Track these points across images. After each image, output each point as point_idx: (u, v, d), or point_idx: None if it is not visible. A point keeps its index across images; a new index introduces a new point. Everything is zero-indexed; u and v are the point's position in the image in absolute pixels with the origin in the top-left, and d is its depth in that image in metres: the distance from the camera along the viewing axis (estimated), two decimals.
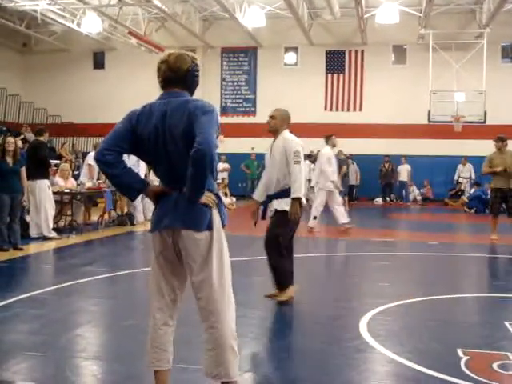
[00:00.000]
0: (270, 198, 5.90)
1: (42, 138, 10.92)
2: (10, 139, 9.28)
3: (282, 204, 5.74)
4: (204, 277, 3.16)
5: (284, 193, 5.70)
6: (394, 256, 9.85)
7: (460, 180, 21.32)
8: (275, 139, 5.91)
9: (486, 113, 19.46)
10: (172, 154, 3.07)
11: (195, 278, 3.19)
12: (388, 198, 22.05)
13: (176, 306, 3.49)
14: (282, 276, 5.89)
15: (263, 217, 5.98)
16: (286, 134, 5.83)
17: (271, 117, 5.87)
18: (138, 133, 3.16)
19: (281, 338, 4.96)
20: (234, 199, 19.34)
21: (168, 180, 3.18)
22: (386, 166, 21.77)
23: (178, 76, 3.21)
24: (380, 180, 21.99)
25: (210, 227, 3.11)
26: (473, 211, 18.21)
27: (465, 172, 21.35)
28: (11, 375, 3.94)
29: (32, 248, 9.60)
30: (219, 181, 19.72)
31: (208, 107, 3.11)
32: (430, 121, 20.17)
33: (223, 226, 3.20)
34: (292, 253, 6.05)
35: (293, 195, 5.57)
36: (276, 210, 5.84)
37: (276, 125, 5.84)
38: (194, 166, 2.89)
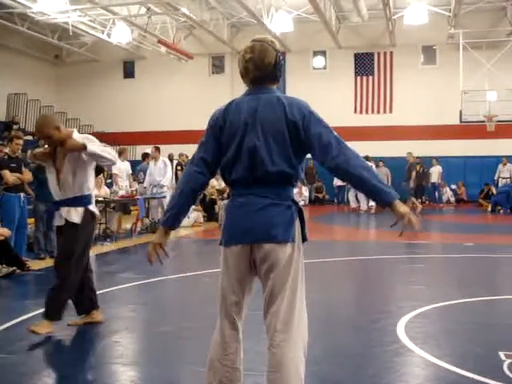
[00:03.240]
0: None
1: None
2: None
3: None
4: (280, 290, 2.88)
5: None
6: (429, 258, 9.72)
7: (500, 180, 20.92)
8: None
9: None
10: (259, 153, 2.84)
11: (271, 291, 2.91)
12: (420, 200, 21.80)
13: (243, 320, 3.20)
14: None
15: None
16: None
17: None
18: (223, 132, 2.95)
19: (319, 341, 4.92)
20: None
21: (248, 183, 2.90)
22: (417, 168, 21.52)
23: (265, 71, 2.95)
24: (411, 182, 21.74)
25: (293, 239, 2.87)
26: (501, 211, 18.15)
27: (504, 172, 20.96)
28: (51, 381, 4.00)
29: None
30: None
31: (307, 106, 2.96)
32: (461, 121, 19.92)
33: (305, 239, 2.99)
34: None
35: None
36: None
37: None
38: (365, 170, 2.76)
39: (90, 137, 5.08)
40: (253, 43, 3.00)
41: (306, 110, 2.90)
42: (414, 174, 19.11)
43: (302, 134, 2.84)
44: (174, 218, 3.09)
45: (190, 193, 3.01)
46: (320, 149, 2.80)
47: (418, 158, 20.93)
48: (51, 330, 4.92)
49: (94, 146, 4.87)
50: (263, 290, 2.96)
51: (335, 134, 2.85)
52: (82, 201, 5.07)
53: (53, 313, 4.93)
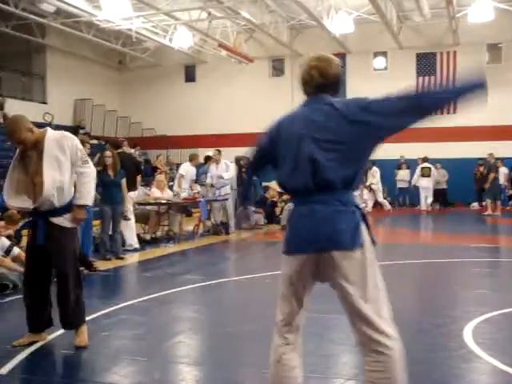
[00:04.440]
0: None
1: (120, 150, 10.99)
2: (108, 153, 9.64)
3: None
4: (360, 297, 2.85)
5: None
6: (496, 262, 9.47)
7: None
8: None
9: None
10: (319, 160, 2.81)
11: (351, 300, 2.87)
12: (484, 203, 21.25)
13: (302, 324, 3.24)
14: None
15: None
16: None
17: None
18: (277, 143, 2.99)
19: None
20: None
21: (309, 191, 2.87)
22: (481, 169, 20.96)
23: (329, 79, 2.97)
24: (474, 184, 21.19)
25: (362, 243, 2.83)
26: None
27: None
28: (120, 378, 4.10)
29: (132, 257, 9.94)
30: None
31: (364, 98, 2.92)
32: None
33: (374, 242, 2.94)
34: None
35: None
36: None
37: None
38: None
39: (67, 134, 4.80)
40: (318, 53, 3.05)
41: (364, 102, 2.88)
42: (492, 175, 18.72)
43: (374, 121, 2.81)
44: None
45: None
46: (394, 118, 2.89)
47: (479, 159, 20.42)
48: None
49: (88, 195, 4.78)
50: (341, 299, 2.94)
51: (399, 95, 2.87)
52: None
53: (82, 317, 4.84)
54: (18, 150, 4.79)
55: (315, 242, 2.83)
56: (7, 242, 7.38)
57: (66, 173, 4.62)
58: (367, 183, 19.46)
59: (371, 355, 2.84)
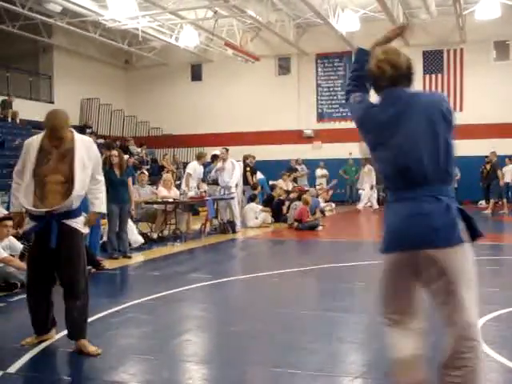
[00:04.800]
0: None
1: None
2: (114, 152, 9.66)
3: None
4: (457, 296, 2.80)
5: None
6: (504, 260, 9.43)
7: None
8: None
9: None
10: (412, 154, 2.77)
11: (448, 298, 2.82)
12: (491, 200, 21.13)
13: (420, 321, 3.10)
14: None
15: None
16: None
17: None
18: (368, 134, 2.98)
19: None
20: (334, 205, 19.23)
21: (403, 187, 2.82)
22: (488, 167, 20.86)
23: (400, 70, 2.91)
24: (481, 182, 21.08)
25: (460, 240, 2.79)
26: None
27: None
28: (128, 377, 4.11)
29: (140, 256, 9.96)
30: (318, 187, 19.72)
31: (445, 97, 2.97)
32: None
33: (476, 236, 2.90)
34: None
35: None
36: None
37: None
38: None
39: (92, 141, 4.86)
40: (385, 47, 3.03)
41: (446, 102, 2.90)
42: (499, 172, 18.67)
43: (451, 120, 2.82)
44: None
45: None
46: None
47: (486, 156, 20.32)
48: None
49: (104, 203, 4.94)
50: (435, 297, 2.89)
51: None
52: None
53: (85, 329, 4.70)
54: (31, 148, 4.60)
55: (411, 239, 2.78)
56: (16, 242, 7.40)
57: (87, 178, 4.63)
58: (365, 183, 19.50)
59: (462, 356, 2.78)
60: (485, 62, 22.10)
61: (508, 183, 21.10)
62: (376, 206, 19.68)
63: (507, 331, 5.11)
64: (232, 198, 13.31)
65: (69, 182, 4.50)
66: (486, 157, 20.51)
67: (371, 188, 19.67)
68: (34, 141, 4.63)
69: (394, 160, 2.81)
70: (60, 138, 4.56)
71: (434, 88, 22.67)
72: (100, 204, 4.84)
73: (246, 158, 16.72)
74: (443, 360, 2.85)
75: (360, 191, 20.20)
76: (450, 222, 2.75)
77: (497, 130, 21.21)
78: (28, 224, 4.70)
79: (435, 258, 2.75)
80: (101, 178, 4.80)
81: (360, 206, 19.62)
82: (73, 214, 4.59)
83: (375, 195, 20.10)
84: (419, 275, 2.86)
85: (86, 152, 4.59)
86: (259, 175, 16.89)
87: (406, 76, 2.92)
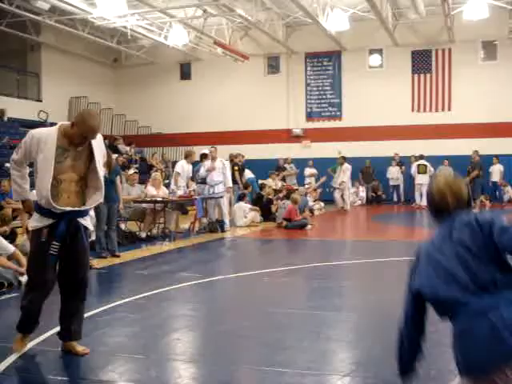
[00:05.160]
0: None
1: None
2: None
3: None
4: None
5: None
6: None
7: None
8: None
9: None
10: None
11: None
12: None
13: None
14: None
15: None
16: None
17: None
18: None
19: (378, 342, 4.89)
20: (323, 204, 19.27)
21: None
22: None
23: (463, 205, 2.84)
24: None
25: None
26: None
27: None
28: (117, 376, 4.11)
29: (128, 255, 9.93)
30: (307, 185, 19.75)
31: None
32: None
33: None
34: None
35: None
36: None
37: None
38: None
39: (98, 136, 4.59)
40: (445, 178, 2.92)
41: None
42: (475, 172, 18.76)
43: None
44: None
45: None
46: None
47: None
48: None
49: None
50: None
51: None
52: None
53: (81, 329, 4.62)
54: (43, 143, 4.35)
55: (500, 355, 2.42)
56: (3, 241, 7.35)
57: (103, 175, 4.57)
58: (339, 181, 19.53)
59: None
60: (473, 61, 22.23)
61: (495, 182, 21.29)
62: (348, 206, 19.64)
63: None
64: (221, 197, 13.31)
65: (82, 180, 4.46)
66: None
67: (341, 186, 19.71)
68: (49, 136, 4.38)
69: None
70: (91, 138, 4.44)
71: (422, 87, 22.79)
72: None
73: (233, 157, 16.74)
74: None
75: (336, 190, 19.88)
76: None
77: (485, 130, 21.36)
78: (37, 221, 4.45)
79: None
80: (104, 174, 4.71)
81: (347, 206, 19.65)
82: (85, 212, 4.55)
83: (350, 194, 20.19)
84: None
85: (100, 151, 4.55)
86: (249, 174, 16.90)
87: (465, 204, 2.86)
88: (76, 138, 4.39)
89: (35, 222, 4.46)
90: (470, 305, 2.46)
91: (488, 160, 20.89)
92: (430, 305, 2.69)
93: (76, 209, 4.42)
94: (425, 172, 20.03)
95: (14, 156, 4.55)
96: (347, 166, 19.56)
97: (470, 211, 2.81)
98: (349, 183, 20.01)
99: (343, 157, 19.79)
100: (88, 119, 4.37)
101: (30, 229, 4.58)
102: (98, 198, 4.51)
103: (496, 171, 21.07)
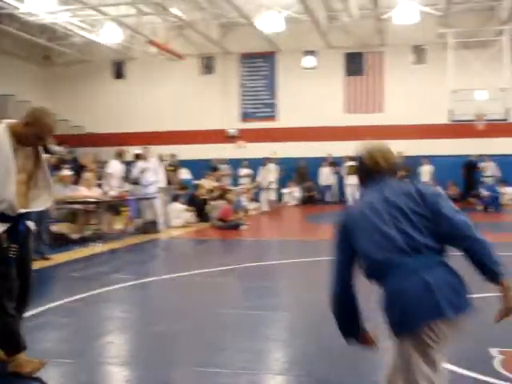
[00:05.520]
0: None
1: None
2: None
3: None
4: None
5: None
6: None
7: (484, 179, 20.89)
8: None
9: (508, 110, 19.26)
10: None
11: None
12: None
13: None
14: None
15: None
16: None
17: None
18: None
19: (313, 341, 4.93)
20: (258, 204, 19.35)
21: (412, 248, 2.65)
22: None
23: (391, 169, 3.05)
24: None
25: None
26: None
27: (487, 171, 20.97)
28: (44, 382, 3.97)
29: (59, 257, 9.67)
30: (241, 186, 19.79)
31: None
32: (451, 120, 19.99)
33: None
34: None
35: None
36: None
37: None
38: None
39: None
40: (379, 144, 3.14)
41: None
42: (400, 173, 19.15)
43: None
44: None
45: None
46: None
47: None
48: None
49: None
50: None
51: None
52: None
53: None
54: (4, 147, 4.01)
55: (431, 309, 2.56)
56: None
57: None
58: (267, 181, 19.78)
59: None
60: (404, 65, 22.83)
61: (426, 183, 21.90)
62: (266, 207, 19.71)
63: None
64: (155, 198, 13.16)
65: (30, 181, 4.20)
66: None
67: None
68: (2, 136, 4.03)
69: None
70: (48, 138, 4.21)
71: (355, 89, 23.23)
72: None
73: (166, 157, 16.62)
74: None
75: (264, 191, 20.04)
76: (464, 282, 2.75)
77: (415, 131, 21.96)
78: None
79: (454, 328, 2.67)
80: None
81: (264, 207, 19.67)
82: (32, 214, 4.29)
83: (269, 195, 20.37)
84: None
85: (42, 150, 4.32)
86: (186, 175, 16.80)
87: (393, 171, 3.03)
88: (29, 138, 4.10)
89: None
90: (405, 265, 2.59)
91: (418, 161, 21.51)
92: (359, 266, 2.77)
93: (31, 210, 4.19)
94: (354, 173, 20.51)
95: None
96: (273, 166, 19.93)
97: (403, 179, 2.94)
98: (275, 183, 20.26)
99: (267, 158, 20.16)
100: (43, 118, 4.11)
101: None
102: (48, 197, 4.27)
103: (426, 172, 21.69)
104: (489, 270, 2.59)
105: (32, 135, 4.09)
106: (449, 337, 2.60)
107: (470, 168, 21.41)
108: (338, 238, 2.85)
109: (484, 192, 18.89)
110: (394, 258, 2.61)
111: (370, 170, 3.03)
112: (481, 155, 20.88)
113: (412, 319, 2.54)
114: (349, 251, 2.78)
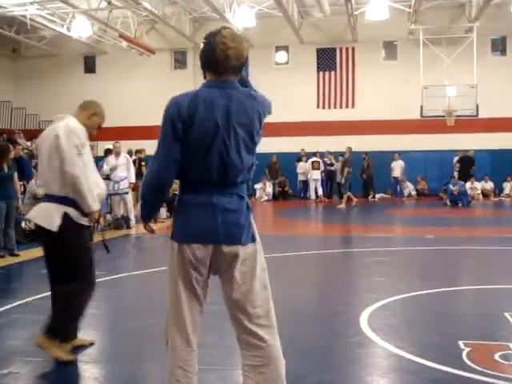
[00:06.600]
0: None
1: None
2: (10, 146, 9.32)
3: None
4: (249, 292, 2.90)
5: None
6: (391, 251, 9.85)
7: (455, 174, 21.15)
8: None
9: (478, 106, 19.53)
10: (230, 154, 2.78)
11: (238, 294, 2.93)
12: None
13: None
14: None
15: None
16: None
17: None
18: (188, 127, 2.83)
19: (283, 335, 4.93)
20: None
21: (212, 182, 2.80)
22: (364, 163, 21.64)
23: (240, 64, 2.81)
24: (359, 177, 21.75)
25: (254, 238, 2.90)
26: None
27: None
28: (12, 380, 3.92)
29: (28, 254, 9.54)
30: None
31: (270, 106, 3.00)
32: (422, 116, 20.20)
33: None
34: None
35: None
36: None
37: None
38: None
39: None
40: (232, 31, 2.84)
41: (267, 111, 3.00)
42: (346, 169, 19.05)
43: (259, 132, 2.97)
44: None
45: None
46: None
47: (365, 153, 21.22)
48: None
49: None
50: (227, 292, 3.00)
51: None
52: None
53: None
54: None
55: (208, 231, 2.81)
56: None
57: None
58: None
59: (249, 349, 2.97)
60: (375, 61, 22.99)
61: (397, 178, 22.14)
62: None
63: (391, 319, 5.34)
64: (126, 193, 13.06)
65: None
66: (365, 153, 21.36)
67: None
68: (82, 130, 4.40)
69: (212, 159, 2.90)
70: None
71: (327, 85, 23.32)
72: None
73: (138, 152, 16.49)
74: None
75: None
76: (249, 219, 2.93)
77: (386, 126, 22.14)
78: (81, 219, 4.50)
79: (228, 255, 2.86)
80: None
81: None
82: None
83: None
84: (210, 273, 2.99)
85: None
86: None
87: (241, 66, 2.88)
88: (93, 128, 4.47)
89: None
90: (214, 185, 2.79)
91: (389, 156, 21.71)
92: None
93: None
94: (318, 168, 20.98)
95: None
96: None
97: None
98: None
99: None
100: (102, 108, 4.51)
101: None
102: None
103: (397, 167, 21.91)
104: None
105: (97, 125, 4.49)
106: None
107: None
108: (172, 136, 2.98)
109: (452, 187, 19.12)
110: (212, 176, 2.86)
111: (217, 64, 2.84)
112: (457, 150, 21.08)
113: (189, 233, 2.94)
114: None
